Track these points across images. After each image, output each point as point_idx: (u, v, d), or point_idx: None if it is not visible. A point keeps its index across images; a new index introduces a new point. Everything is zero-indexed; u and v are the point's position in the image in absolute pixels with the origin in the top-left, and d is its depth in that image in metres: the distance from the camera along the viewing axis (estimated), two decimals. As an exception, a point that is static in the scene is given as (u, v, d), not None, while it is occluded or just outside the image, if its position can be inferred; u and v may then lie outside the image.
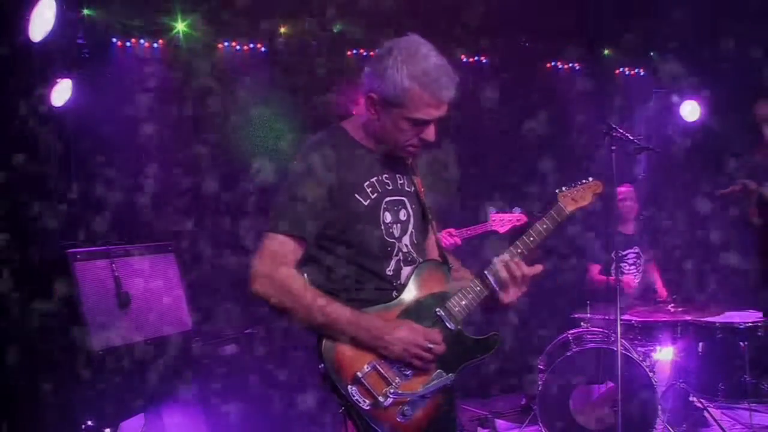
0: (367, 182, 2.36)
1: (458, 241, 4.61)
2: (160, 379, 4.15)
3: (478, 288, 2.38)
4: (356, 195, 2.33)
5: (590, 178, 2.69)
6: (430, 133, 2.33)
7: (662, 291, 5.69)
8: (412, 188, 2.49)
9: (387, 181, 2.41)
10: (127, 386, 3.97)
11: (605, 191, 2.75)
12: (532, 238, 2.44)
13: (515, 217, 4.61)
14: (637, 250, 5.72)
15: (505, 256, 2.38)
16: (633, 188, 5.82)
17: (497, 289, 2.37)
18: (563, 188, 2.61)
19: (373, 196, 2.36)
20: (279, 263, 2.24)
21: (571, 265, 5.93)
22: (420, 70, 2.23)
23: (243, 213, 5.76)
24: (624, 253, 5.66)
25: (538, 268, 2.39)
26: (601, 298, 4.87)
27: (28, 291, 3.77)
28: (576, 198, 2.61)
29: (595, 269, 5.64)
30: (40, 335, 3.77)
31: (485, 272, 2.38)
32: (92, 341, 3.76)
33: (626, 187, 5.76)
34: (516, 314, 5.85)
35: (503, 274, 2.35)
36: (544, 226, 2.48)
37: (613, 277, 4.48)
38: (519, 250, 2.42)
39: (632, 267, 5.72)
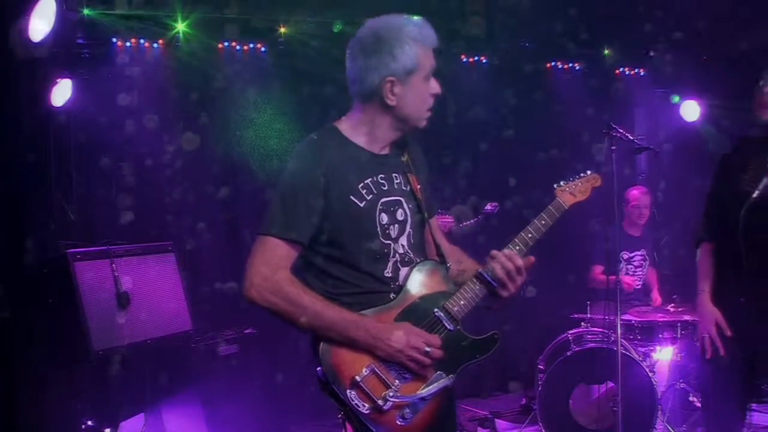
0: (362, 184, 2.32)
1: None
2: (160, 379, 4.15)
3: (477, 288, 2.36)
4: (351, 197, 2.30)
5: (588, 172, 2.65)
6: (435, 85, 2.38)
7: (657, 298, 5.65)
8: (408, 187, 2.44)
9: (383, 181, 2.37)
10: (127, 386, 3.97)
11: (604, 189, 2.73)
12: (530, 235, 2.39)
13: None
14: (643, 253, 5.70)
15: (498, 254, 2.35)
16: (647, 191, 5.73)
17: (496, 286, 2.35)
18: (561, 183, 2.57)
19: (368, 198, 2.32)
20: (274, 267, 2.22)
21: (572, 265, 5.92)
22: (414, 30, 2.31)
23: (243, 213, 5.77)
24: (631, 255, 5.64)
25: (530, 259, 2.37)
26: (602, 297, 4.86)
27: (28, 291, 3.77)
28: (574, 192, 2.57)
29: (598, 270, 5.62)
30: (39, 336, 3.77)
31: (481, 272, 2.36)
32: (92, 341, 3.76)
33: (640, 190, 5.69)
34: (516, 314, 5.87)
35: (499, 272, 2.33)
36: (543, 222, 2.43)
37: (613, 277, 4.47)
38: (518, 248, 2.38)
39: (638, 269, 5.69)
